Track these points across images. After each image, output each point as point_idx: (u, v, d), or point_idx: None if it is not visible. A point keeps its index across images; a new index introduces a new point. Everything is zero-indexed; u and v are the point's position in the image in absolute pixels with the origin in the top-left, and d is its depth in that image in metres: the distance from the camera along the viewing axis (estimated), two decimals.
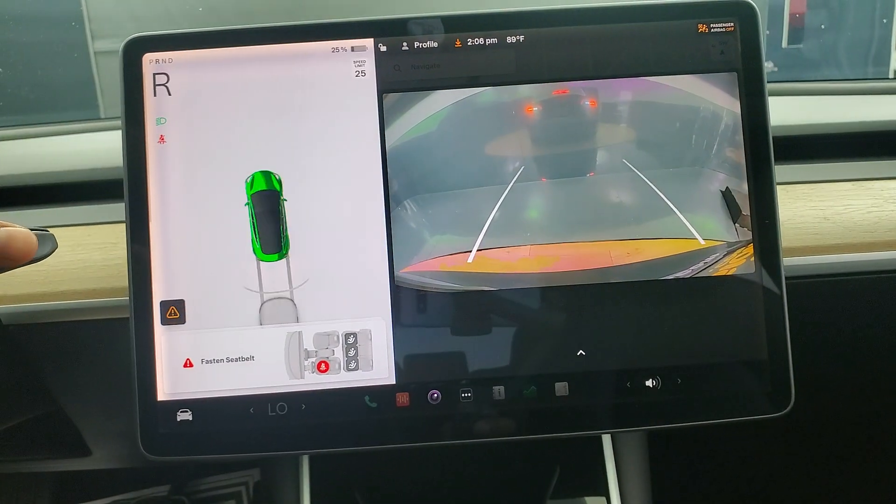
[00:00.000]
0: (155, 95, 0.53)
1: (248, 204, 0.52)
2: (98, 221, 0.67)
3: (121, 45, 0.53)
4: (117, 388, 0.62)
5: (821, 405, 0.63)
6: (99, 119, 0.86)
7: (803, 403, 0.53)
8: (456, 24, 0.53)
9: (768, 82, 0.53)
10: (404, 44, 0.53)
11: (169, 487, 0.94)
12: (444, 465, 0.75)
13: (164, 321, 0.52)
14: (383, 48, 0.53)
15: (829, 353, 0.68)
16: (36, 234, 0.44)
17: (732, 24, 0.53)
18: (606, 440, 0.71)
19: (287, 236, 0.52)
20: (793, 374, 0.52)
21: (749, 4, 0.53)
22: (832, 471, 0.91)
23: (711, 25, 0.53)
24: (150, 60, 0.53)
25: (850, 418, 0.82)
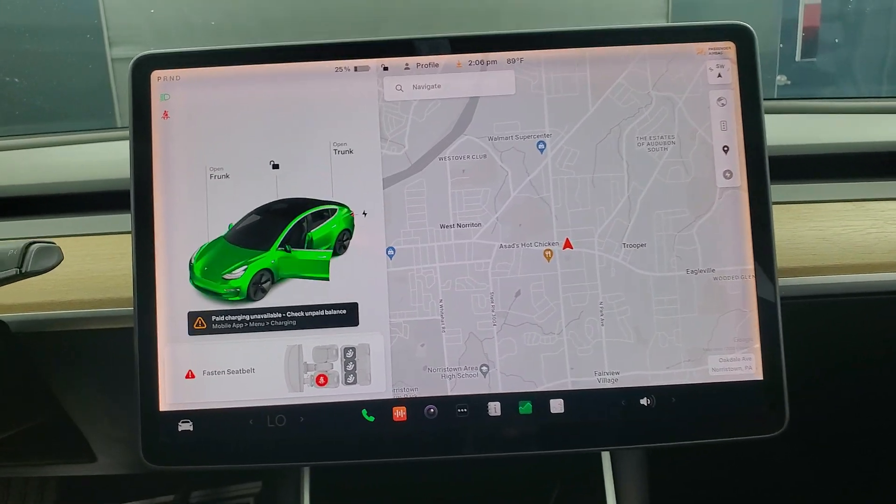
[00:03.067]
0: (162, 111, 0.54)
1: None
2: (108, 231, 0.68)
3: (130, 63, 0.54)
4: (122, 397, 0.64)
5: (820, 424, 0.63)
6: (111, 129, 0.87)
7: (802, 422, 0.54)
8: (457, 45, 0.54)
9: (776, 98, 0.54)
10: (406, 64, 0.54)
11: (173, 497, 0.95)
12: (444, 480, 0.75)
13: (192, 331, 0.53)
14: (386, 68, 0.54)
15: (828, 373, 0.68)
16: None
17: (730, 47, 0.54)
18: (605, 456, 0.71)
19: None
20: (787, 396, 0.52)
21: (746, 28, 0.54)
22: (831, 488, 0.91)
23: (709, 48, 0.54)
24: (158, 78, 0.54)
25: (848, 437, 0.81)
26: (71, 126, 0.87)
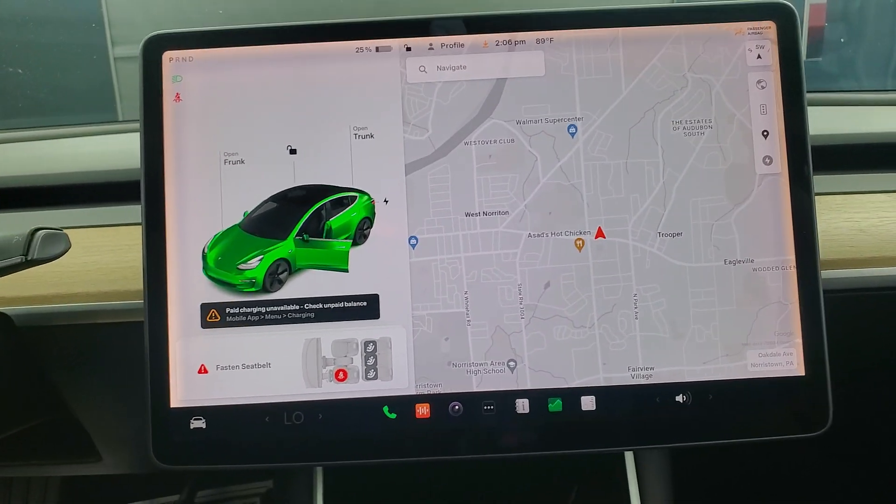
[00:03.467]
0: (174, 94, 0.52)
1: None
2: (112, 223, 0.66)
3: (141, 43, 0.52)
4: (129, 393, 0.61)
5: (859, 423, 0.60)
6: (116, 122, 0.84)
7: (840, 421, 0.51)
8: (484, 25, 0.52)
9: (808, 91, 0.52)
10: (430, 44, 0.52)
11: (178, 497, 0.93)
12: (460, 479, 0.73)
13: (205, 324, 0.51)
14: (409, 48, 0.52)
15: (867, 368, 0.65)
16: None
17: (770, 27, 0.51)
18: (629, 456, 0.69)
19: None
20: (831, 389, 0.50)
21: (787, 6, 0.51)
22: (872, 492, 0.87)
23: (748, 28, 0.51)
24: (170, 59, 0.52)
25: (891, 435, 0.78)
26: (74, 120, 0.85)
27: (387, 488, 0.71)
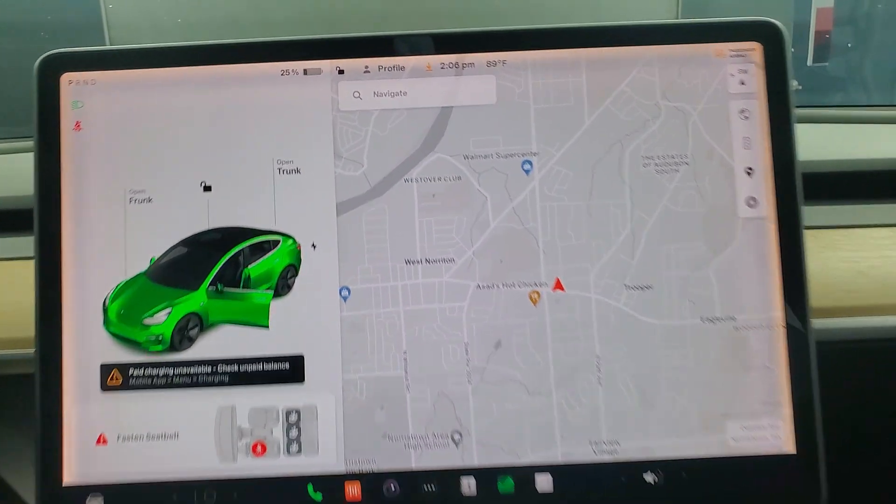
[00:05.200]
0: (74, 122, 0.46)
1: None
2: (11, 257, 0.60)
3: (35, 63, 0.46)
4: (25, 459, 0.55)
5: (862, 500, 0.54)
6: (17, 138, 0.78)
7: (841, 499, 0.45)
8: (427, 45, 0.46)
9: (802, 106, 0.46)
10: (366, 66, 0.46)
11: None
12: None
13: (105, 387, 0.45)
14: (341, 71, 0.46)
15: (869, 434, 0.59)
16: None
17: (755, 49, 0.45)
18: None
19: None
20: (825, 469, 0.44)
21: (775, 26, 0.46)
22: None
23: (730, 50, 0.45)
24: (69, 81, 0.46)
25: None
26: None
27: None
